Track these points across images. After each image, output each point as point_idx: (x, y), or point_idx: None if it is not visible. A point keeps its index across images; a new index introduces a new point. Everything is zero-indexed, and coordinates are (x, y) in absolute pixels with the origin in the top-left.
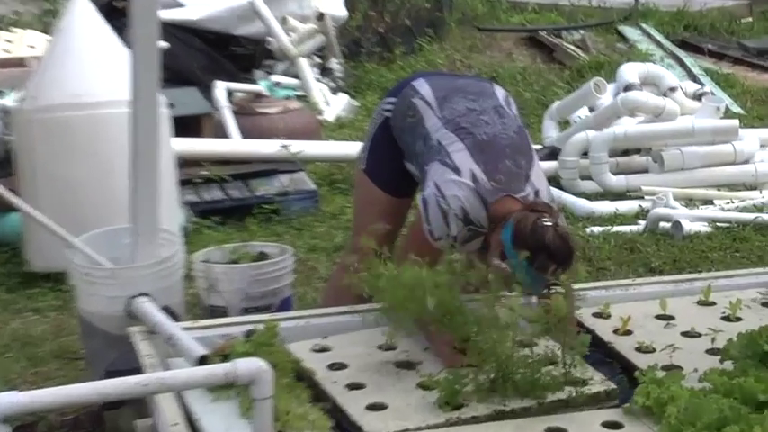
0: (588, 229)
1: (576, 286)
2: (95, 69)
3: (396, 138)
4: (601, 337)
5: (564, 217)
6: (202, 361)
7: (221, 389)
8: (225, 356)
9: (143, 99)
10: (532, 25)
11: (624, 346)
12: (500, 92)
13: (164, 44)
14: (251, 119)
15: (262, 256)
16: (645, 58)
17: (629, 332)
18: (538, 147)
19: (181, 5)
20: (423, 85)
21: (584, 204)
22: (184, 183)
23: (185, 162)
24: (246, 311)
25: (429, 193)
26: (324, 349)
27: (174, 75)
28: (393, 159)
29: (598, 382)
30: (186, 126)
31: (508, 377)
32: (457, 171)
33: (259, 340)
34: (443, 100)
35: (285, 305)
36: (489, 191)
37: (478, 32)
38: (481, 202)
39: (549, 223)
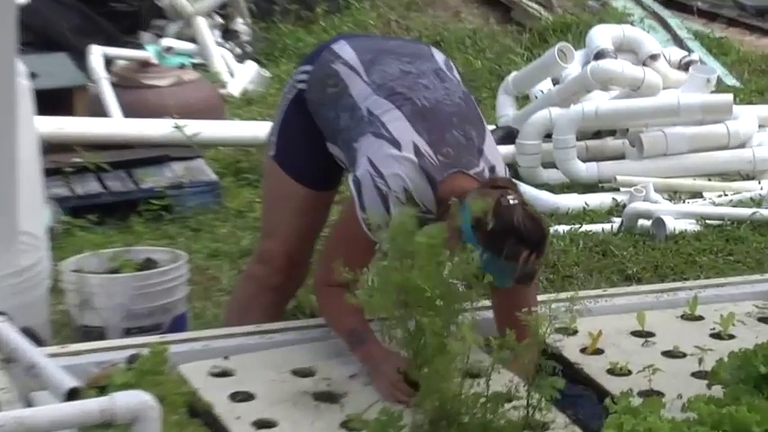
0: (552, 228)
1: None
2: None
3: (313, 114)
4: (566, 358)
5: None
6: (73, 395)
7: (97, 429)
8: (101, 389)
9: None
10: None
11: (594, 367)
12: (439, 55)
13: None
14: (135, 93)
15: (149, 264)
16: (621, 18)
17: (599, 351)
18: (491, 127)
19: None
20: (344, 48)
21: (546, 198)
22: (52, 172)
23: (53, 147)
24: (129, 333)
25: (363, 171)
26: (225, 373)
27: (37, 37)
28: (310, 142)
29: (561, 426)
30: (54, 102)
31: (454, 419)
32: (396, 144)
33: (144, 368)
34: (371, 63)
35: (178, 324)
36: (437, 167)
37: None
38: (428, 181)
39: (516, 201)
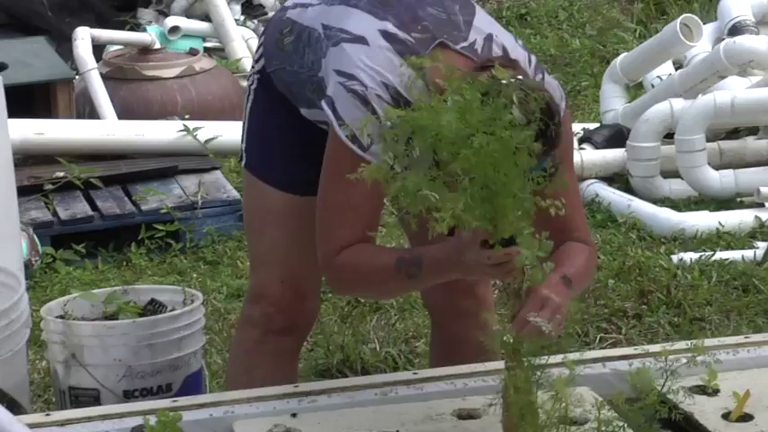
0: (676, 257)
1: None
2: None
3: (284, 91)
4: (703, 425)
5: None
6: None
7: None
8: None
9: None
10: None
11: None
12: None
13: None
14: (134, 87)
15: (154, 308)
16: None
17: (747, 417)
18: (594, 125)
19: None
20: None
21: (667, 217)
22: (28, 191)
23: (29, 158)
24: (131, 396)
25: (332, 86)
26: None
27: (9, 18)
28: (284, 138)
29: None
30: (31, 99)
31: None
32: (360, 40)
33: None
34: None
35: (191, 385)
36: (413, 44)
37: None
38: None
39: (511, 79)
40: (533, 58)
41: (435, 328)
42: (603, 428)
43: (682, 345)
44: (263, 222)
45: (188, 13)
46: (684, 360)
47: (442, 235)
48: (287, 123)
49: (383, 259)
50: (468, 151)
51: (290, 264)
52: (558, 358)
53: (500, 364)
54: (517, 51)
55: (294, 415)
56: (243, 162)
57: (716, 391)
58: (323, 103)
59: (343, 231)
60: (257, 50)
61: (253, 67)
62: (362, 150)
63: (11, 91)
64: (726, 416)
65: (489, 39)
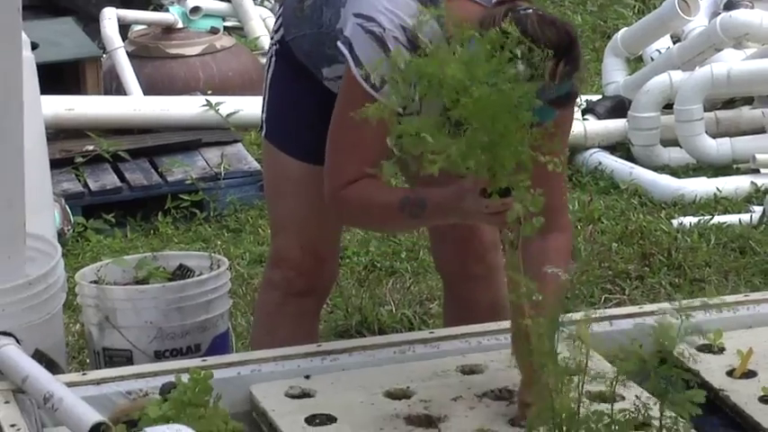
0: (676, 221)
1: (658, 304)
2: None
3: (303, 57)
4: (708, 382)
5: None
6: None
7: None
8: (132, 424)
9: None
10: None
11: (743, 395)
12: None
13: None
14: (158, 64)
15: (182, 273)
16: None
17: (750, 374)
18: (596, 97)
19: None
20: None
21: (668, 183)
22: (60, 163)
23: (60, 132)
24: (161, 356)
25: (350, 28)
26: (305, 394)
27: (39, 0)
28: (302, 107)
29: None
30: (60, 77)
31: None
32: None
33: (183, 398)
34: None
35: (219, 345)
36: None
37: None
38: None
39: (528, 11)
40: None
41: (447, 292)
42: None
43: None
44: (281, 190)
45: None
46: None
47: (434, 177)
48: (305, 93)
49: (388, 197)
50: (467, 100)
51: (309, 230)
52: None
53: (508, 324)
54: None
55: (308, 377)
56: (263, 132)
57: (721, 350)
58: (339, 44)
59: (351, 167)
60: (276, 22)
61: (272, 38)
62: (374, 90)
63: (42, 69)
64: (730, 373)
65: None
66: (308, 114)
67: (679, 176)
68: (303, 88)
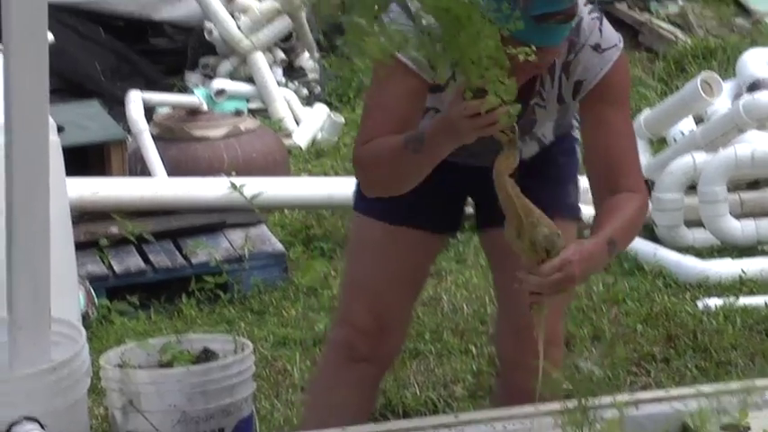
0: (701, 303)
1: (686, 389)
2: None
3: None
4: None
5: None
6: None
7: None
8: None
9: (23, 122)
10: None
11: None
12: None
13: (50, 37)
14: (183, 146)
15: (206, 356)
16: None
17: None
18: None
19: None
20: None
21: (692, 265)
22: (85, 246)
23: (85, 214)
24: None
25: None
26: None
27: (64, 82)
28: None
29: None
30: (85, 159)
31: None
32: None
33: None
34: None
35: (244, 429)
36: None
37: None
38: None
39: None
40: None
41: (501, 376)
42: None
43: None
44: (358, 250)
45: (233, 76)
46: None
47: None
48: None
49: (394, 141)
50: None
51: (378, 294)
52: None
53: (533, 408)
54: None
55: None
56: (353, 205)
57: (747, 429)
58: None
59: (373, 129)
60: None
61: None
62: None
63: (67, 152)
64: None
65: None
66: None
67: (703, 258)
68: None
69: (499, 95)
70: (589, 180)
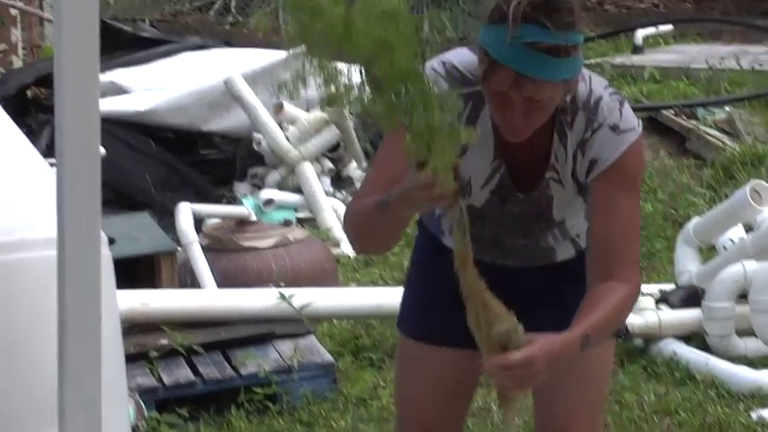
0: (755, 414)
1: None
2: (1, 196)
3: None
4: None
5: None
6: None
7: None
8: None
9: (75, 236)
10: (652, 101)
11: None
12: None
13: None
14: (232, 257)
15: None
16: None
17: None
18: (669, 286)
19: (125, 92)
20: None
21: (745, 374)
22: (135, 358)
23: (135, 326)
24: None
25: None
26: None
27: (114, 194)
28: (418, 288)
29: None
30: (136, 271)
31: None
32: None
33: None
34: None
35: None
36: None
37: None
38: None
39: None
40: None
41: None
42: None
43: None
44: (399, 367)
45: (281, 186)
46: None
47: None
48: (417, 275)
49: (370, 201)
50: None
51: (426, 409)
52: None
53: None
54: None
55: None
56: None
57: None
58: None
59: (365, 188)
60: None
61: None
62: None
63: (118, 263)
64: None
65: None
66: (423, 295)
67: (756, 367)
68: (415, 271)
69: (439, 167)
70: (586, 257)
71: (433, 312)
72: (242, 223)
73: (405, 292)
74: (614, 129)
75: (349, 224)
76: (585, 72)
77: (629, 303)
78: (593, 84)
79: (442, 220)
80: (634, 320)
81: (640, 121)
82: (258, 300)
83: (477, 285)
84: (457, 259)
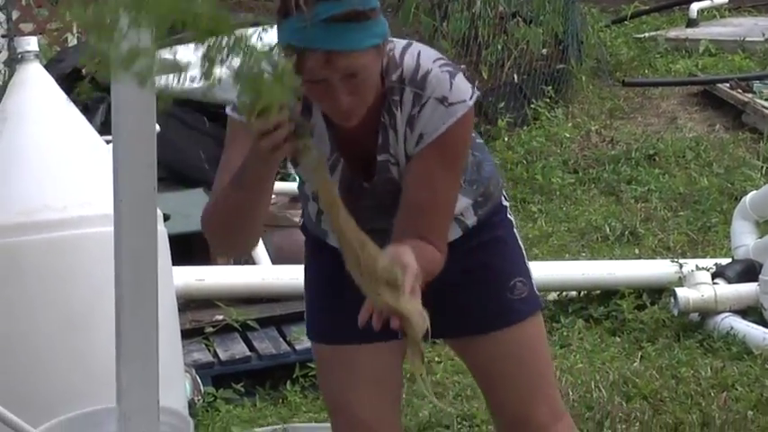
0: None
1: None
2: (57, 173)
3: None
4: None
5: None
6: None
7: None
8: None
9: (131, 213)
10: (707, 74)
11: None
12: None
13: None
14: (286, 233)
15: None
16: None
17: None
18: (726, 261)
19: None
20: None
21: None
22: (190, 333)
23: (191, 302)
24: None
25: None
26: None
27: (168, 172)
28: (311, 288)
29: None
30: (190, 248)
31: None
32: None
33: None
34: None
35: None
36: None
37: (623, 88)
38: None
39: None
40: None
41: None
42: None
43: None
44: (319, 375)
45: None
46: None
47: None
48: (311, 281)
49: (223, 188)
50: None
51: (362, 411)
52: None
53: None
54: None
55: None
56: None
57: None
58: None
59: (217, 179)
60: None
61: None
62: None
63: (172, 240)
64: None
65: None
66: (317, 294)
67: None
68: (312, 265)
69: (271, 107)
70: (395, 219)
71: (334, 313)
72: (295, 199)
73: (305, 301)
74: (442, 101)
75: (207, 223)
76: (415, 47)
77: (436, 270)
78: (422, 58)
79: (322, 219)
80: (690, 295)
81: (476, 92)
82: None
83: (350, 226)
84: (322, 202)
